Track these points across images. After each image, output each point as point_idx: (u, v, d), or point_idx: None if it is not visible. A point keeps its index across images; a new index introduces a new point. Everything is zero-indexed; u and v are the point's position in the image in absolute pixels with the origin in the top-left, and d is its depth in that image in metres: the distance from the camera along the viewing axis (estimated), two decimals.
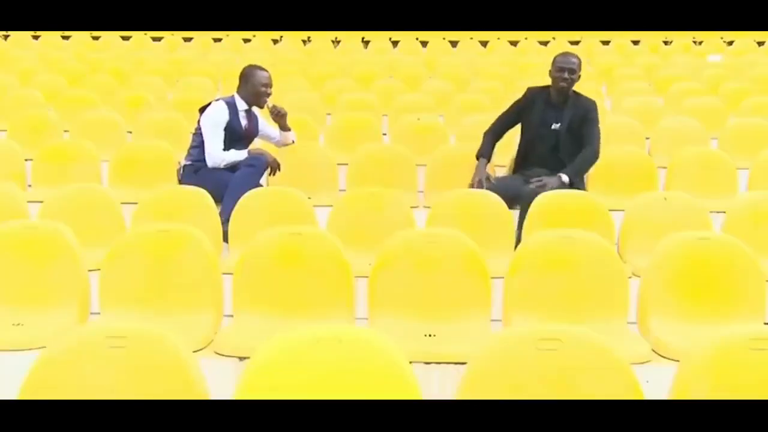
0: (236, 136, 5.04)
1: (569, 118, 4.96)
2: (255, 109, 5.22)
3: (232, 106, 5.04)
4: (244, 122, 5.09)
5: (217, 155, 4.95)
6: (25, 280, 3.44)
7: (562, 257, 3.37)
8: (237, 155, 4.94)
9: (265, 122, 5.41)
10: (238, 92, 5.11)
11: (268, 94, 5.09)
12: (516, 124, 5.18)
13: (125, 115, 6.65)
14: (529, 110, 5.08)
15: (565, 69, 4.94)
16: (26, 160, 5.67)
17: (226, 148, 4.98)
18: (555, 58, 5.04)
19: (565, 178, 4.75)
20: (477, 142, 5.21)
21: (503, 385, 2.20)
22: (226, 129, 4.98)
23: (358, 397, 2.10)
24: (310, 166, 5.42)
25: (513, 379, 2.21)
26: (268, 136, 5.41)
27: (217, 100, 5.14)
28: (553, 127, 4.99)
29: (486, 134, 5.17)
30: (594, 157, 4.94)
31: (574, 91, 5.04)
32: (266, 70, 5.13)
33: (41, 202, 4.52)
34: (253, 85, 5.04)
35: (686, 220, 4.26)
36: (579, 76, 5.02)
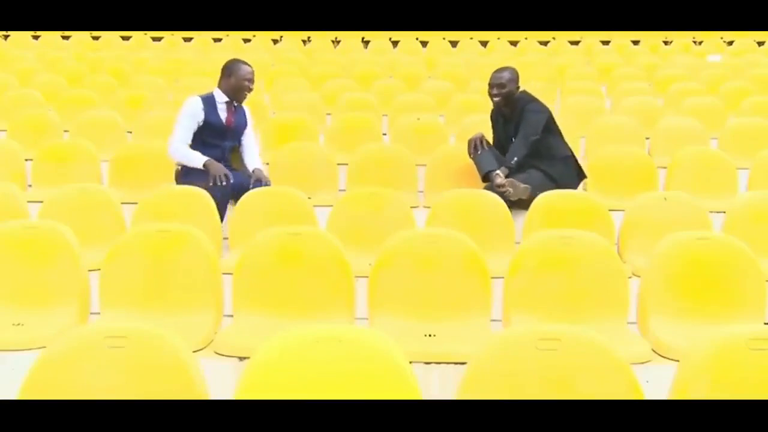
0: (216, 130, 4.90)
1: (515, 128, 5.06)
2: (246, 107, 5.11)
3: (208, 100, 4.91)
4: (223, 115, 4.92)
5: (176, 146, 4.81)
6: (25, 280, 3.44)
7: (561, 257, 3.38)
8: (194, 159, 4.76)
9: (252, 125, 5.16)
10: (219, 86, 4.99)
11: (250, 89, 4.99)
12: None
13: (125, 115, 6.66)
14: (496, 129, 5.28)
15: (494, 85, 5.09)
16: (26, 160, 5.67)
17: (207, 142, 4.86)
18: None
19: (499, 171, 4.84)
20: None
21: (503, 385, 2.20)
22: (203, 124, 4.85)
23: (358, 397, 2.10)
24: (310, 166, 5.42)
25: (513, 379, 2.21)
26: (243, 145, 5.12)
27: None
28: (513, 141, 5.08)
29: None
30: (518, 150, 4.93)
31: (525, 97, 5.11)
32: (250, 66, 5.03)
33: (41, 202, 4.52)
34: (236, 79, 4.91)
35: (686, 220, 4.26)
36: (516, 88, 5.09)
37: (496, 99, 5.09)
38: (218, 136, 4.93)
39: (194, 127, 4.85)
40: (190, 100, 4.93)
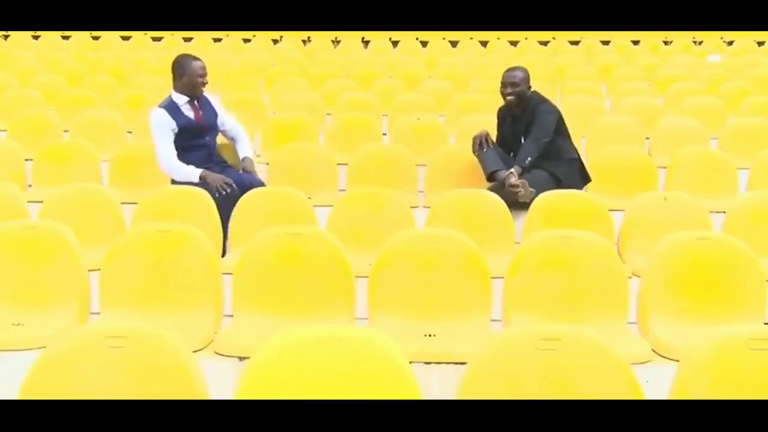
0: (191, 131, 4.83)
1: (526, 127, 5.07)
2: (211, 97, 5.05)
3: (170, 106, 4.82)
4: (191, 114, 4.84)
5: (169, 163, 4.77)
6: (25, 280, 3.44)
7: (561, 257, 3.38)
8: (189, 174, 4.71)
9: (224, 112, 5.11)
10: (174, 88, 4.92)
11: (204, 83, 4.90)
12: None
13: (125, 115, 6.66)
14: (503, 127, 5.28)
15: (507, 84, 5.09)
16: (26, 160, 5.67)
17: (189, 146, 4.80)
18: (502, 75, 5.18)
19: (513, 170, 4.85)
20: None
21: (503, 385, 2.20)
22: (177, 131, 4.78)
23: (358, 397, 2.10)
24: (310, 166, 5.42)
25: (513, 379, 2.21)
26: (224, 131, 5.11)
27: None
28: (521, 141, 5.10)
29: None
30: (530, 151, 4.95)
31: (536, 98, 5.13)
32: (199, 59, 4.95)
33: (41, 202, 4.52)
34: (189, 77, 4.85)
35: (686, 220, 4.26)
36: (528, 87, 5.12)
37: (509, 98, 5.09)
38: (196, 136, 4.86)
39: (172, 137, 4.79)
40: (155, 113, 4.83)
